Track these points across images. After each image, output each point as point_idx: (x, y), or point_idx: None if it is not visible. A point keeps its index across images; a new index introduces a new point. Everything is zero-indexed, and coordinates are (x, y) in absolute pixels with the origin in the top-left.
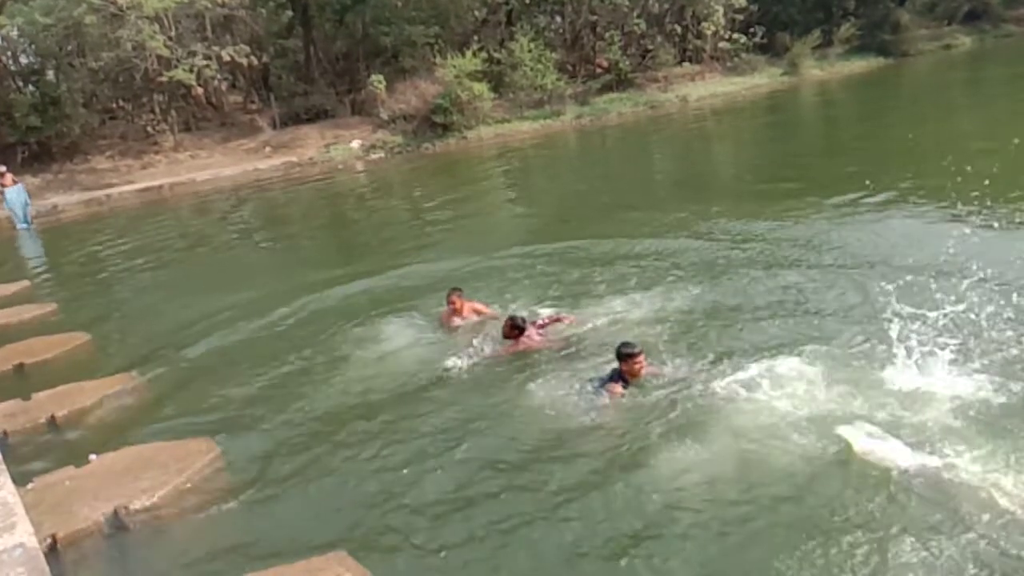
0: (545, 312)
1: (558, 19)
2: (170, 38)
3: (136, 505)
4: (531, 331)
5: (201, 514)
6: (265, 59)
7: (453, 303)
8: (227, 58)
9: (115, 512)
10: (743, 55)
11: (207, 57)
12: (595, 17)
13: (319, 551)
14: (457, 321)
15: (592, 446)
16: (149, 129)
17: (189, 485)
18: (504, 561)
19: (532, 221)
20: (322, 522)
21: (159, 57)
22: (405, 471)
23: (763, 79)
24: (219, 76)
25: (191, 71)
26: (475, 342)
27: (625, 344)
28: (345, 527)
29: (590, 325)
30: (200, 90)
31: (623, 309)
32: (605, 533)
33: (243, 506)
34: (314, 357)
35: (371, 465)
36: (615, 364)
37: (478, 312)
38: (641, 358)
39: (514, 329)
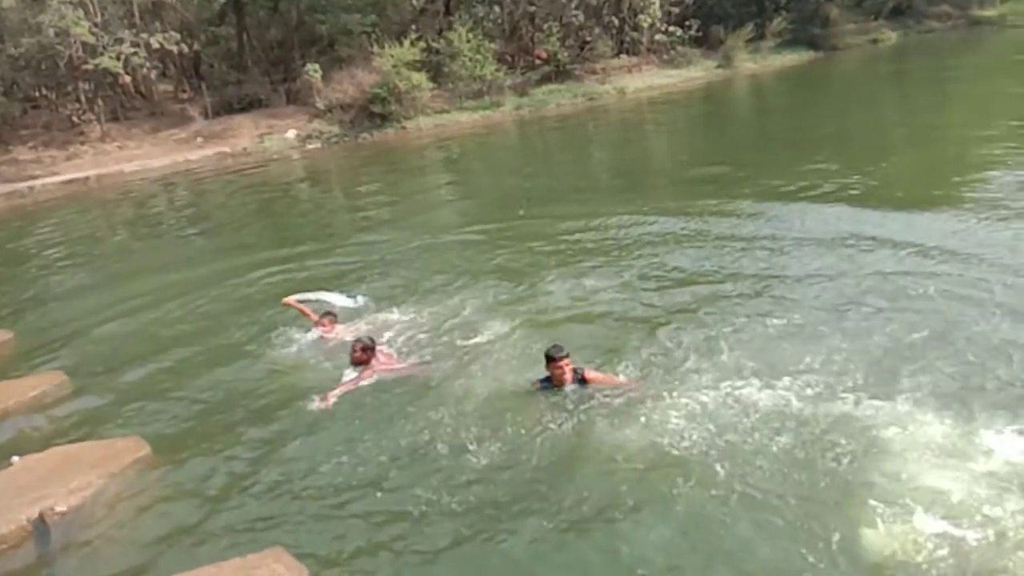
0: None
1: (496, 9)
2: (95, 24)
3: (63, 507)
4: (380, 356)
5: (132, 513)
6: (196, 47)
7: (323, 325)
8: (156, 45)
9: (40, 515)
10: (679, 48)
11: (135, 44)
12: (533, 8)
13: (254, 547)
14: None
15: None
16: (74, 119)
17: (118, 485)
18: (433, 554)
19: (468, 208)
20: (256, 518)
21: (84, 44)
22: (339, 467)
23: (698, 71)
24: (148, 64)
25: (118, 59)
26: None
27: (552, 347)
28: (280, 523)
29: (516, 315)
30: (128, 79)
31: (552, 294)
32: (533, 527)
33: (175, 504)
34: (243, 349)
35: (304, 461)
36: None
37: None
38: (563, 363)
39: (365, 352)
